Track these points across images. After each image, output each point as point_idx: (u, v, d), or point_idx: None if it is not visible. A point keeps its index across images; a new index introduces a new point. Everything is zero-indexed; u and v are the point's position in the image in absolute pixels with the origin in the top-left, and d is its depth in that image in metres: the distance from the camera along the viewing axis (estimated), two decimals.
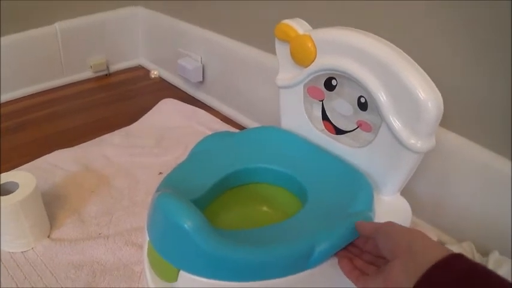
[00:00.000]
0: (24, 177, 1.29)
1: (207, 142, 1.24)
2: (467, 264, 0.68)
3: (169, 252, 0.93)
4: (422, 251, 0.72)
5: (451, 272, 0.67)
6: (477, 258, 1.26)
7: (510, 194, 1.20)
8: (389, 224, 0.82)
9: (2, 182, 1.28)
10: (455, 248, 1.27)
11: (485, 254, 1.26)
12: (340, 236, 0.90)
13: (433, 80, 0.99)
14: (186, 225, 0.86)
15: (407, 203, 1.16)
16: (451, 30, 1.22)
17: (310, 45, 1.12)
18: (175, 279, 0.91)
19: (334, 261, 0.91)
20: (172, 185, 1.04)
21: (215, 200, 1.11)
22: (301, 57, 1.15)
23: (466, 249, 1.27)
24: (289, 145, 1.23)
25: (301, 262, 0.90)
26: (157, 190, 1.02)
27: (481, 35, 1.17)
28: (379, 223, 0.85)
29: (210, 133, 1.86)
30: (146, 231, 1.00)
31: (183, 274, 0.90)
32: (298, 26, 1.15)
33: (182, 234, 0.87)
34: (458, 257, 0.69)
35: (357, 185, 1.08)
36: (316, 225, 0.95)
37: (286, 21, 1.16)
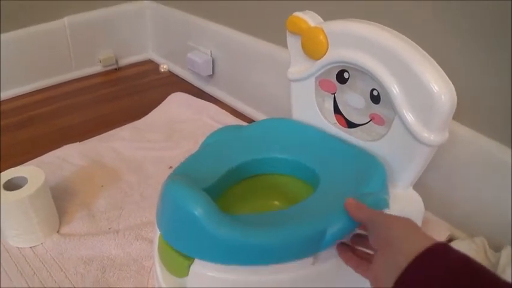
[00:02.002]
0: (32, 172, 1.29)
1: (218, 134, 1.22)
2: (451, 255, 0.65)
3: (179, 239, 0.92)
4: (400, 244, 0.69)
5: (430, 268, 0.64)
6: (489, 253, 1.24)
7: None
8: (378, 214, 0.80)
9: (10, 177, 1.27)
10: (467, 243, 1.26)
11: (498, 249, 1.25)
12: (350, 221, 0.86)
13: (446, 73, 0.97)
14: (195, 211, 0.85)
15: (420, 198, 1.15)
16: (462, 23, 1.20)
17: (321, 37, 1.10)
18: (186, 275, 0.90)
19: (341, 262, 0.90)
20: (183, 174, 1.03)
21: (226, 191, 1.10)
22: (312, 50, 1.14)
23: (478, 245, 1.26)
24: (300, 134, 1.21)
25: (313, 244, 0.88)
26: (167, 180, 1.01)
27: (491, 28, 1.15)
28: (370, 211, 0.82)
29: (220, 127, 1.87)
30: (156, 223, 0.99)
31: (194, 269, 0.89)
32: (309, 19, 1.14)
33: (192, 220, 0.86)
34: (437, 250, 0.66)
35: (369, 167, 1.06)
36: (328, 208, 0.93)
37: (298, 14, 1.15)
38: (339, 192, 0.98)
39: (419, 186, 1.14)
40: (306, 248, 0.89)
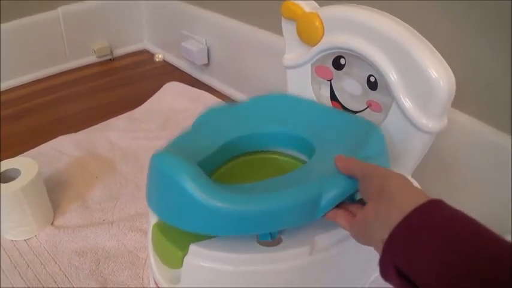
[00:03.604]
0: (26, 164, 1.28)
1: (209, 113, 1.16)
2: (448, 211, 0.63)
3: (169, 212, 0.88)
4: (394, 195, 0.67)
5: (431, 220, 0.61)
6: None
7: None
8: (370, 166, 0.77)
9: (3, 169, 1.26)
10: None
11: None
12: (348, 182, 0.83)
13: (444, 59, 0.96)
14: (182, 180, 0.81)
15: (418, 185, 1.13)
16: (463, 9, 1.19)
17: (317, 23, 1.09)
18: (180, 266, 0.89)
19: (338, 251, 0.89)
20: (173, 149, 0.98)
21: (218, 170, 1.07)
22: (308, 35, 1.12)
23: None
24: (294, 107, 1.15)
25: (310, 210, 0.84)
26: None
27: (493, 15, 1.14)
28: (361, 163, 0.80)
29: None
30: (146, 200, 0.96)
31: (187, 260, 0.88)
32: (304, 4, 1.12)
33: (179, 188, 0.81)
34: (438, 203, 0.64)
35: (367, 132, 1.00)
36: (325, 173, 0.87)
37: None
38: (330, 160, 0.90)
39: (416, 174, 1.13)
40: (302, 214, 0.85)
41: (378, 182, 0.71)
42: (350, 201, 0.86)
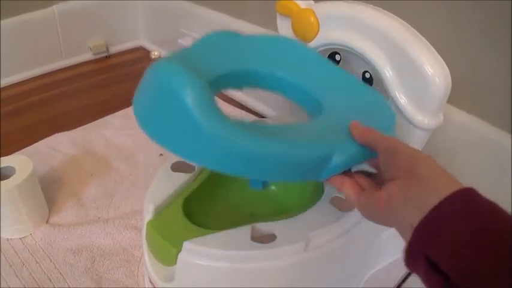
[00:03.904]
0: (20, 162, 1.27)
1: (214, 36, 1.05)
2: (483, 200, 0.59)
3: (159, 130, 0.79)
4: (428, 178, 0.63)
5: (467, 208, 0.57)
6: None
7: None
8: (394, 140, 0.72)
9: None
10: None
11: None
12: (361, 150, 0.78)
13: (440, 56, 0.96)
14: (186, 95, 0.71)
15: None
16: (463, 7, 1.19)
17: (312, 19, 1.09)
18: (174, 263, 0.88)
19: (333, 248, 0.88)
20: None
21: None
22: (303, 32, 1.13)
23: None
24: (305, 58, 1.06)
25: (315, 169, 0.79)
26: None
27: (494, 13, 1.13)
28: (382, 135, 0.75)
29: None
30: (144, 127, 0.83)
31: (181, 257, 0.87)
32: (299, 0, 1.12)
33: (179, 107, 0.72)
34: (473, 192, 0.60)
35: (377, 105, 0.95)
36: (335, 134, 0.82)
37: None
38: (345, 123, 0.84)
39: None
40: (307, 169, 0.79)
41: (407, 160, 0.67)
42: (355, 171, 0.82)
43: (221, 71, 0.95)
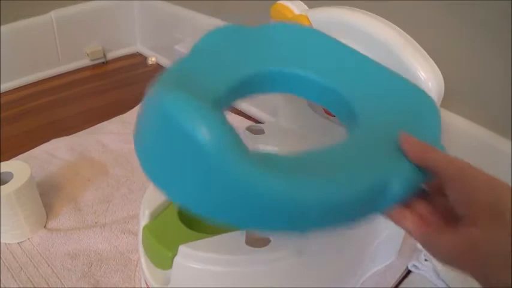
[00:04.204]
0: (18, 167, 1.28)
1: (216, 34, 0.90)
2: None
3: (172, 182, 0.63)
4: None
5: None
6: None
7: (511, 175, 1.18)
8: (463, 164, 0.58)
9: None
10: None
11: None
12: (416, 172, 0.62)
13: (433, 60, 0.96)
14: (202, 135, 0.55)
15: None
16: (453, 9, 1.19)
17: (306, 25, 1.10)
18: (170, 267, 0.89)
19: (327, 251, 0.88)
20: (175, 81, 0.72)
21: None
22: None
23: None
24: (325, 49, 0.89)
25: (369, 205, 0.63)
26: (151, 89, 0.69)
27: (484, 14, 1.14)
28: (445, 155, 0.61)
29: None
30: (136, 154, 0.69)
31: (177, 261, 0.88)
32: (294, 6, 1.13)
33: (194, 149, 0.56)
34: None
35: (419, 103, 0.78)
36: (382, 152, 0.66)
37: (282, 2, 1.14)
38: (387, 134, 0.68)
39: None
40: (360, 208, 0.63)
41: (488, 195, 0.54)
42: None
43: (234, 78, 0.79)
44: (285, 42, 0.90)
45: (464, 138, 1.27)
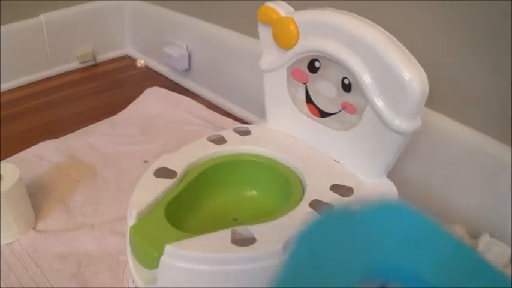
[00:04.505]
0: (7, 169, 1.28)
1: (324, 229, 0.67)
2: None
3: None
4: None
5: None
6: (467, 241, 1.25)
7: (499, 176, 1.19)
8: None
9: None
10: None
11: (476, 237, 1.25)
12: None
13: (419, 60, 0.98)
14: None
15: (395, 187, 1.15)
16: (440, 9, 1.20)
17: (292, 27, 1.11)
18: (156, 266, 0.90)
19: None
20: None
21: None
22: (283, 39, 1.14)
23: (457, 232, 1.26)
24: (429, 239, 0.63)
25: None
26: None
27: (472, 14, 1.15)
28: None
29: (196, 121, 1.85)
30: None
31: (163, 261, 0.89)
32: (280, 9, 1.14)
33: None
34: None
35: None
36: None
37: (269, 4, 1.15)
38: None
39: (395, 175, 1.15)
40: None
41: None
42: None
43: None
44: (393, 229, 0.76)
45: (449, 138, 1.28)
